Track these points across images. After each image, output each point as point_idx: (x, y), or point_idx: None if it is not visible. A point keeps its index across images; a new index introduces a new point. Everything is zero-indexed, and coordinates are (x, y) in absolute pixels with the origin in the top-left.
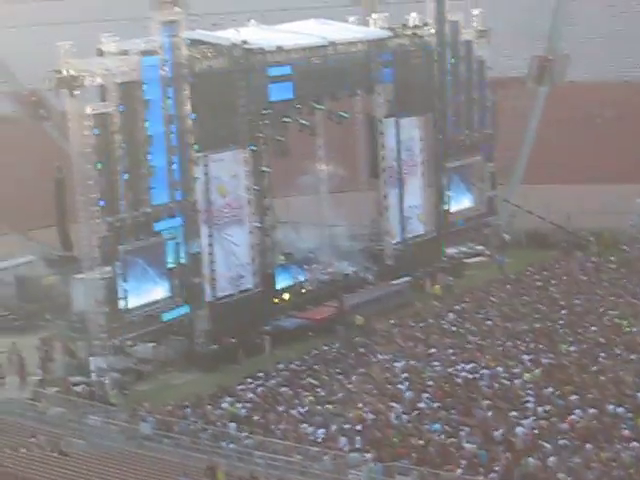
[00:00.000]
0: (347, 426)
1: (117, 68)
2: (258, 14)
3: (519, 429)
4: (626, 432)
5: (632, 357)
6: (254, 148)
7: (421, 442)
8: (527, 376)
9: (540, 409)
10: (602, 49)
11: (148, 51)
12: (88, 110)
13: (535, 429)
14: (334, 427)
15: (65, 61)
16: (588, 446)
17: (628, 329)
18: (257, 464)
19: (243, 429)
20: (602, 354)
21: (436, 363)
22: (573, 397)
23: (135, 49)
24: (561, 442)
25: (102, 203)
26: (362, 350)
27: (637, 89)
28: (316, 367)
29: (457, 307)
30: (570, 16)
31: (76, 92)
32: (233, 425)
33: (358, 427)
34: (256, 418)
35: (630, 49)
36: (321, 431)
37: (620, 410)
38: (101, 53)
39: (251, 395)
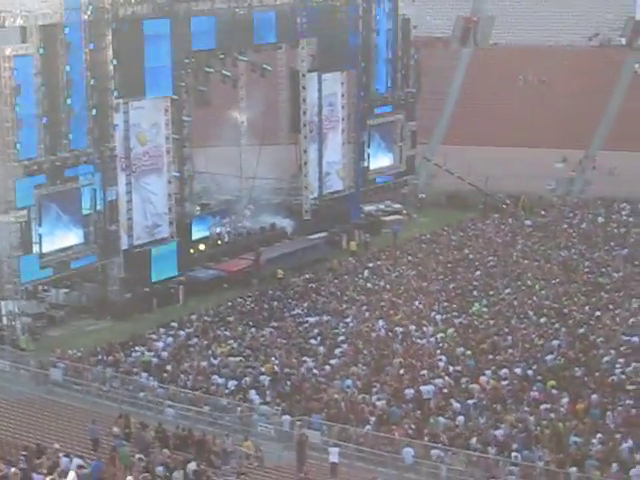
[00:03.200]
0: (259, 379)
1: (39, 10)
2: None
3: (429, 387)
4: (535, 394)
5: (542, 320)
6: (175, 97)
7: (333, 397)
8: (443, 335)
9: (451, 369)
10: (528, 13)
11: None
12: (8, 51)
13: (445, 388)
14: (245, 379)
15: None
16: (497, 407)
17: (540, 292)
18: (167, 413)
19: (154, 378)
20: (514, 316)
21: (349, 319)
22: (484, 358)
23: None
24: (470, 402)
25: (19, 146)
26: (276, 304)
27: (561, 54)
28: (229, 319)
29: (372, 264)
30: None
31: None
32: (144, 374)
33: (269, 380)
34: (168, 368)
35: (555, 14)
36: (232, 383)
37: (530, 372)
38: None
39: (162, 344)
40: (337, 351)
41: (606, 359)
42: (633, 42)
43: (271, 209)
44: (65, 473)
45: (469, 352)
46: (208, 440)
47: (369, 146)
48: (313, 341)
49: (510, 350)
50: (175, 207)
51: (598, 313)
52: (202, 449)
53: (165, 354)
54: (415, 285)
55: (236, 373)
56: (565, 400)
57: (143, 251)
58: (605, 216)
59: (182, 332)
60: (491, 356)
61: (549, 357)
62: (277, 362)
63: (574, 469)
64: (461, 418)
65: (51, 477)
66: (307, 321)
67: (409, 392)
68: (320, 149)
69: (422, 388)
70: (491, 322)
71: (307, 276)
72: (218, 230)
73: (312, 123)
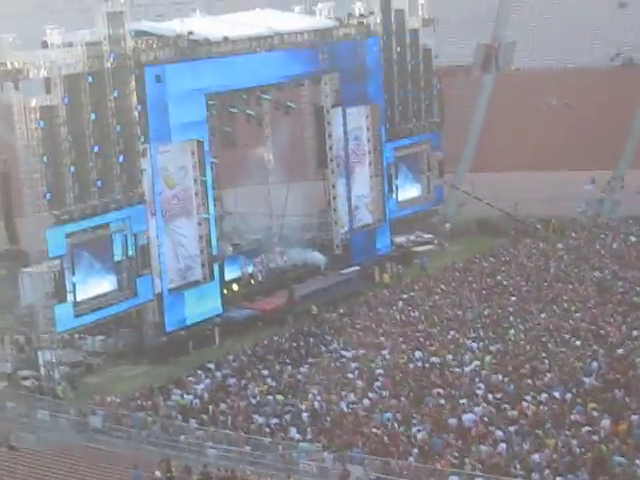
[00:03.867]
0: (298, 416)
1: (62, 60)
2: (203, 4)
3: (469, 416)
4: (576, 417)
5: (577, 343)
6: (201, 139)
7: (373, 431)
8: (479, 363)
9: (490, 396)
10: (547, 36)
11: (93, 43)
12: (33, 103)
13: (485, 416)
14: (285, 417)
15: (9, 53)
16: (538, 432)
17: (576, 314)
18: (208, 455)
19: (194, 421)
20: (550, 340)
21: (386, 352)
22: (523, 383)
23: (80, 41)
24: (511, 429)
25: (49, 196)
26: (312, 340)
27: (582, 75)
28: (266, 357)
29: (406, 295)
30: (515, 3)
31: (20, 84)
32: (183, 417)
33: (309, 417)
34: (207, 409)
35: (574, 35)
36: (272, 421)
37: (569, 396)
38: (46, 45)
39: (201, 386)
40: (375, 384)
41: None
42: None
43: (302, 245)
44: None
45: (507, 378)
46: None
47: (397, 178)
48: (350, 375)
49: (548, 374)
50: (206, 248)
51: (635, 333)
52: None
53: (204, 396)
54: (450, 314)
55: (276, 411)
56: (606, 422)
57: (178, 294)
58: (637, 235)
59: (219, 373)
60: (530, 381)
61: (588, 379)
62: (316, 398)
63: None
64: (503, 445)
65: None
66: (344, 356)
67: (450, 422)
68: (348, 183)
69: (463, 417)
70: (528, 347)
71: (341, 311)
72: (250, 269)
73: (339, 158)
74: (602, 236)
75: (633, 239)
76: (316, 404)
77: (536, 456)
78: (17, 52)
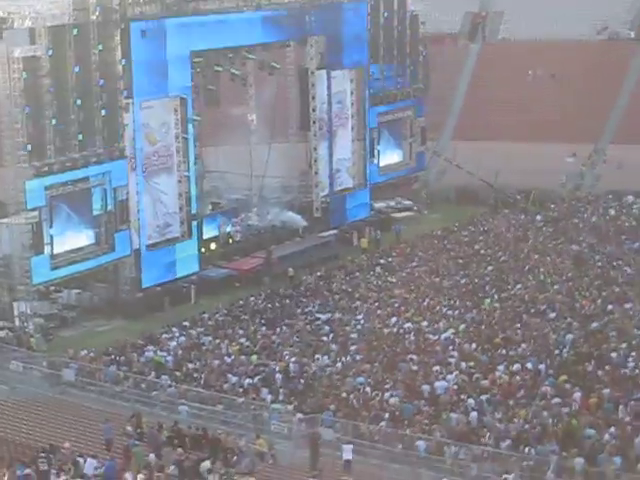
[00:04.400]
0: (271, 377)
1: (47, 11)
2: None
3: (442, 383)
4: (547, 389)
5: (552, 315)
6: (184, 96)
7: (344, 395)
8: (454, 331)
9: (463, 364)
10: (536, 7)
11: None
12: (17, 53)
13: (457, 384)
14: (258, 378)
15: None
16: (509, 402)
17: (552, 287)
18: (180, 412)
19: (167, 378)
20: (525, 311)
21: (361, 316)
22: (496, 353)
23: None
24: (483, 397)
25: (29, 147)
26: (288, 301)
27: (568, 48)
28: (241, 317)
29: (383, 261)
30: None
31: (4, 34)
32: (157, 373)
33: (282, 378)
34: (180, 367)
35: (563, 8)
36: (245, 381)
37: (542, 367)
38: None
39: (175, 343)
40: (350, 349)
41: (618, 353)
42: None
43: (281, 207)
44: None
45: (481, 347)
46: (222, 439)
47: (379, 143)
48: (325, 339)
49: (522, 345)
50: (185, 206)
51: (610, 307)
52: (216, 448)
53: (178, 353)
54: (426, 281)
55: (249, 371)
56: (578, 395)
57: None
58: (616, 210)
59: (194, 331)
60: (503, 351)
61: (561, 352)
62: (290, 360)
63: (581, 459)
64: (474, 414)
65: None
66: (319, 319)
67: (422, 389)
68: (330, 146)
69: (435, 384)
70: (503, 317)
71: (318, 274)
72: (228, 229)
73: (321, 120)
74: (581, 209)
75: (612, 213)
76: (290, 366)
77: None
78: (2, 1)
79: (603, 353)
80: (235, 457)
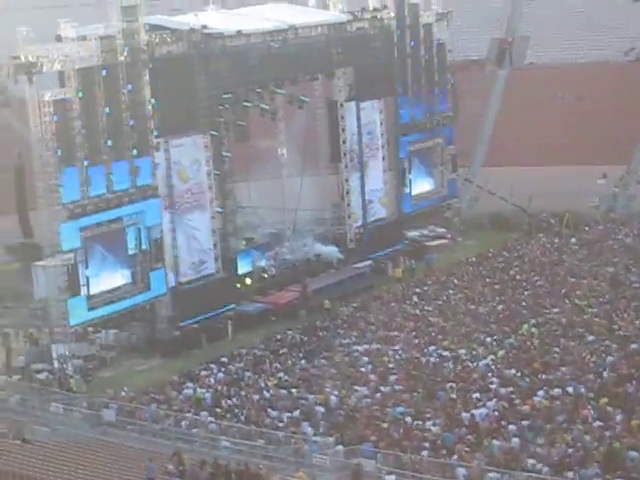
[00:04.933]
0: (311, 410)
1: (76, 54)
2: None
3: (482, 411)
4: (588, 412)
5: (591, 338)
6: (215, 133)
7: (384, 425)
8: (493, 357)
9: (503, 390)
10: (562, 30)
11: (107, 36)
12: (47, 96)
13: (497, 411)
14: (297, 411)
15: (23, 47)
16: (550, 427)
17: (589, 309)
18: (221, 449)
19: (207, 414)
20: (564, 335)
21: (399, 346)
22: (536, 378)
23: (94, 34)
24: (524, 423)
25: (62, 189)
26: (325, 334)
27: (595, 69)
28: (279, 351)
29: (419, 290)
30: None
31: (34, 78)
32: (196, 410)
33: (322, 410)
34: (220, 403)
35: (590, 30)
36: (285, 415)
37: (583, 391)
38: (60, 39)
39: (214, 380)
40: (388, 379)
41: None
42: None
43: (315, 239)
44: None
45: (520, 373)
46: (263, 473)
47: (410, 172)
48: (364, 369)
49: (562, 369)
50: (219, 242)
51: None
52: None
53: (217, 389)
54: (463, 308)
55: (288, 406)
56: (619, 417)
57: (190, 288)
58: None
59: (232, 366)
60: (543, 376)
61: (601, 374)
62: (329, 393)
63: None
64: (516, 440)
65: None
66: (357, 350)
67: (463, 416)
68: (362, 177)
69: (475, 412)
70: (541, 342)
71: (354, 305)
72: (263, 263)
73: (352, 152)
74: (615, 231)
75: None
76: (329, 398)
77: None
78: (31, 46)
79: None
80: None
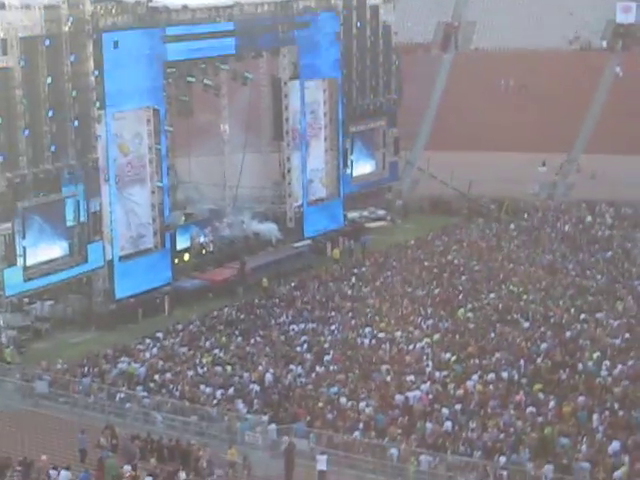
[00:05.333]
0: (245, 388)
1: (19, 22)
2: None
3: (416, 393)
4: (521, 397)
5: (526, 324)
6: (157, 107)
7: (319, 405)
8: (429, 341)
9: (437, 374)
10: (508, 17)
11: (51, 6)
12: None
13: (431, 394)
14: (232, 389)
15: None
16: (483, 411)
17: (525, 296)
18: (154, 423)
19: (141, 389)
20: (499, 321)
21: (335, 327)
22: (470, 363)
23: (38, 3)
24: (457, 407)
25: (1, 158)
26: (262, 312)
27: (540, 58)
28: (215, 328)
29: (357, 271)
30: None
31: None
32: (130, 385)
33: (256, 389)
34: (154, 378)
35: (536, 18)
36: (219, 392)
37: (516, 376)
38: (3, 6)
39: (149, 355)
40: (324, 359)
41: (592, 361)
42: (614, 45)
43: (255, 217)
44: None
45: (455, 357)
46: (195, 450)
47: (352, 153)
48: (299, 349)
49: (496, 354)
50: (159, 217)
51: (583, 316)
52: (189, 459)
53: (152, 364)
54: (400, 291)
55: (223, 382)
56: (552, 403)
57: (128, 262)
58: (589, 219)
59: (167, 342)
60: (477, 361)
61: (536, 361)
62: (264, 371)
63: (550, 466)
64: (448, 423)
65: None
66: (293, 329)
67: (397, 398)
68: (303, 156)
69: (409, 394)
70: (477, 327)
71: (292, 284)
72: (202, 239)
73: (295, 131)
74: (554, 219)
75: (585, 222)
76: (264, 376)
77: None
78: None
79: (576, 362)
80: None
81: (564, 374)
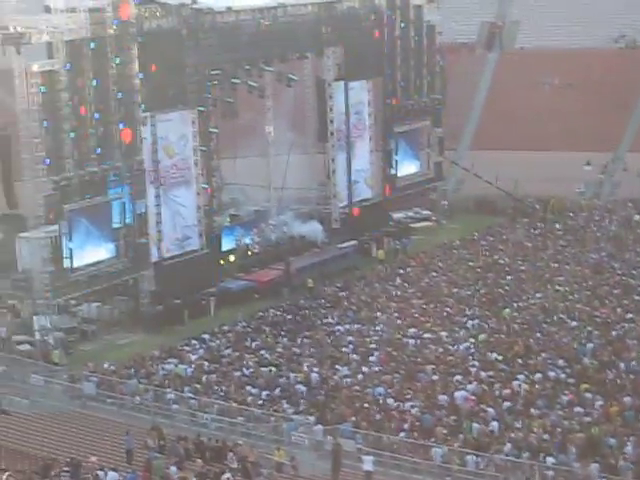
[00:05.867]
0: (292, 388)
1: (64, 25)
2: None
3: (461, 393)
4: (569, 397)
5: (572, 324)
6: (202, 109)
7: (365, 405)
8: (474, 341)
9: (483, 374)
10: (552, 16)
11: (96, 9)
12: (35, 67)
13: (477, 394)
14: (278, 389)
15: (12, 17)
16: (531, 411)
17: (572, 295)
18: (201, 425)
19: (187, 390)
20: (546, 320)
21: (381, 327)
22: (517, 362)
23: (83, 6)
24: (504, 407)
25: (48, 162)
26: (308, 313)
27: (585, 56)
28: (261, 329)
29: (402, 271)
30: None
31: (22, 49)
32: (177, 386)
33: (302, 389)
34: (201, 379)
35: (580, 16)
36: (265, 393)
37: (563, 376)
38: (49, 10)
39: (195, 356)
40: (369, 359)
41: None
42: None
43: (300, 218)
44: None
45: (501, 357)
46: (241, 450)
47: (397, 153)
48: (345, 349)
49: (543, 354)
50: (204, 219)
51: (630, 315)
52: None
53: (198, 365)
54: (446, 291)
55: (269, 383)
56: (599, 403)
57: (174, 263)
58: (636, 218)
59: (214, 343)
60: (524, 360)
61: (583, 360)
62: (310, 371)
63: (596, 465)
64: (495, 423)
65: None
66: (339, 330)
67: (442, 398)
68: (348, 157)
69: (455, 394)
70: (523, 326)
71: (337, 285)
72: (247, 241)
73: (339, 132)
74: (599, 218)
75: (633, 221)
76: (310, 377)
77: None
78: (20, 16)
79: (624, 361)
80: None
81: (611, 374)
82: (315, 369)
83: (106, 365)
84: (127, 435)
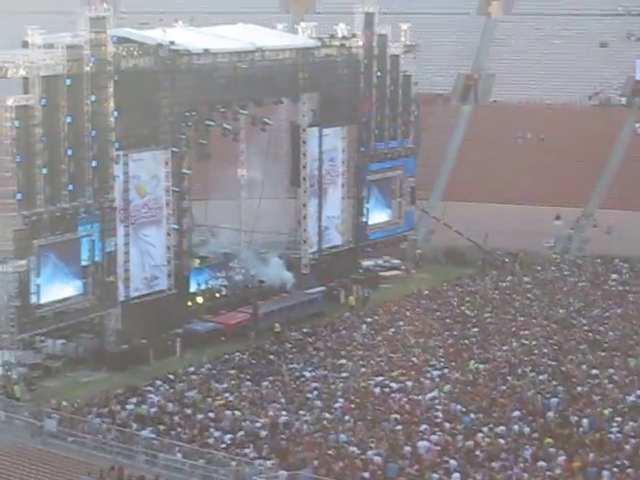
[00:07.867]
0: (254, 433)
1: (41, 61)
2: (187, 16)
3: (424, 444)
4: (532, 451)
5: (540, 378)
6: (176, 149)
7: (328, 452)
8: (439, 391)
9: (447, 425)
10: (527, 71)
11: (74, 46)
12: (10, 102)
13: (440, 445)
14: (241, 433)
15: None
16: (493, 464)
17: (538, 350)
18: (162, 467)
19: (149, 430)
20: (511, 374)
21: (346, 374)
22: (481, 415)
23: (61, 43)
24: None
25: (19, 196)
26: (274, 357)
27: (559, 112)
28: (227, 372)
29: (370, 319)
30: (497, 37)
31: None
32: (139, 426)
33: (264, 434)
34: (163, 421)
35: (555, 72)
36: (228, 437)
37: (527, 430)
38: (26, 45)
39: (159, 397)
40: (334, 406)
41: (603, 418)
42: (633, 102)
43: (270, 262)
44: None
45: (465, 409)
46: None
47: (368, 201)
48: (310, 395)
49: (507, 407)
50: (173, 259)
51: (595, 371)
52: None
53: (161, 406)
54: (412, 341)
55: (232, 427)
56: (562, 458)
57: (141, 302)
58: (604, 274)
59: (178, 384)
60: (488, 413)
61: (547, 415)
62: (274, 416)
63: None
64: (457, 475)
65: None
66: (304, 375)
67: (405, 448)
68: (320, 203)
69: (419, 444)
70: (488, 379)
71: (304, 330)
72: (215, 283)
73: (312, 177)
74: (568, 273)
75: (600, 278)
76: (274, 421)
77: None
78: None
79: (588, 417)
80: None
81: (575, 430)
82: (279, 414)
83: (68, 402)
84: (87, 475)
